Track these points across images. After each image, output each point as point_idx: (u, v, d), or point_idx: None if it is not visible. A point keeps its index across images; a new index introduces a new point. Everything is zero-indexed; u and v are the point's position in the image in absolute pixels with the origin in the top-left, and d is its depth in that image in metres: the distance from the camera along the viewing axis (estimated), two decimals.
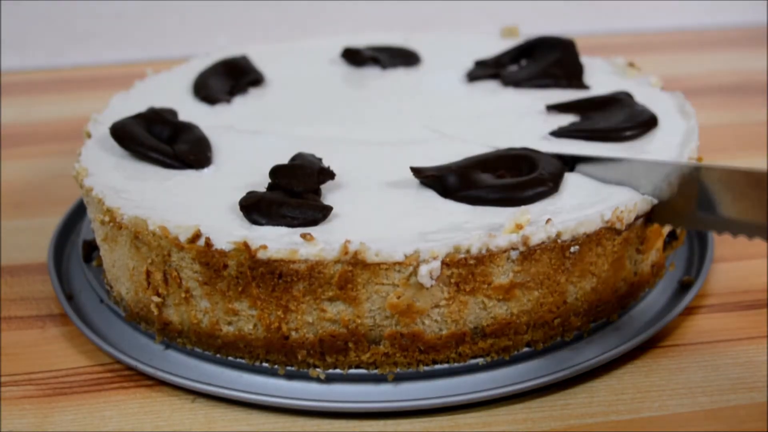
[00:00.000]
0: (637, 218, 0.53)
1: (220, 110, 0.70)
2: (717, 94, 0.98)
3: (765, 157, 0.81)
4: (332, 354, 0.50)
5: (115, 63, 1.13)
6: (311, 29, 1.16)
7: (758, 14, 1.18)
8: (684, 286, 0.59)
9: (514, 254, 0.49)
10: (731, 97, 0.97)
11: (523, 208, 0.51)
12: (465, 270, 0.48)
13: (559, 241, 0.49)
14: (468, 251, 0.48)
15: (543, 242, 0.49)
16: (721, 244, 0.65)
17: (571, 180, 0.56)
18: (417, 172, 0.55)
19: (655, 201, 0.53)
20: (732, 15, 1.20)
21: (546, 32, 0.77)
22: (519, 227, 0.49)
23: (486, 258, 0.48)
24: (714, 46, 1.16)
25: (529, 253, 0.49)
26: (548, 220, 0.49)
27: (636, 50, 1.11)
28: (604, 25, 1.20)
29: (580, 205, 0.52)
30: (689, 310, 0.57)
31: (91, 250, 0.64)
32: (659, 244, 0.57)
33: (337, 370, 0.51)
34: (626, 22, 1.21)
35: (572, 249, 0.50)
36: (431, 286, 0.48)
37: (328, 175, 0.54)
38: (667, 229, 0.57)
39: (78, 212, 0.70)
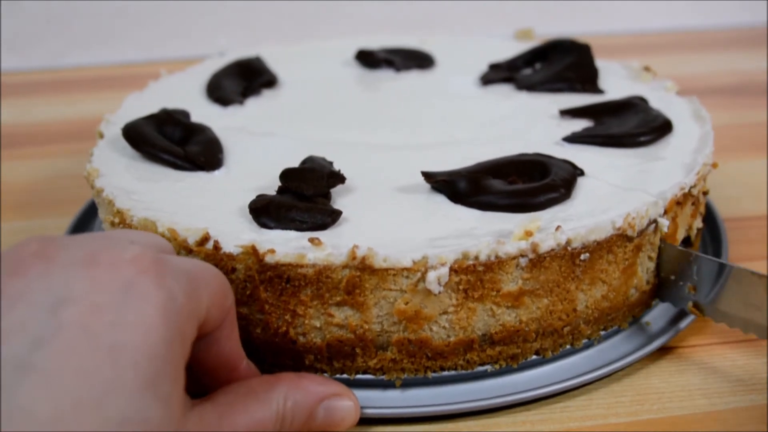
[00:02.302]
0: (649, 224, 0.52)
1: (233, 111, 0.70)
2: (717, 94, 0.98)
3: (765, 157, 0.80)
4: (339, 359, 0.50)
5: (116, 64, 1.14)
6: (325, 30, 1.16)
7: (758, 14, 1.18)
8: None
9: (523, 261, 0.48)
10: (731, 97, 0.97)
11: (533, 214, 0.51)
12: (473, 277, 0.47)
13: (569, 248, 0.49)
14: (477, 258, 0.47)
15: (553, 249, 0.48)
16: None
17: (584, 185, 0.55)
18: (428, 176, 0.55)
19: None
20: (732, 15, 1.20)
21: (546, 33, 0.77)
22: (528, 234, 0.48)
23: (495, 265, 0.48)
24: (714, 46, 1.15)
25: (538, 261, 0.48)
26: (558, 228, 0.49)
27: (636, 51, 1.10)
28: (604, 26, 1.19)
29: (592, 212, 0.52)
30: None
31: None
32: None
33: (344, 376, 0.51)
34: (626, 23, 1.20)
35: (582, 256, 0.50)
36: (439, 292, 0.47)
37: (338, 178, 0.54)
38: (681, 235, 0.57)
39: (88, 215, 0.70)
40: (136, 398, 0.34)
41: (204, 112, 0.68)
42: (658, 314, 0.56)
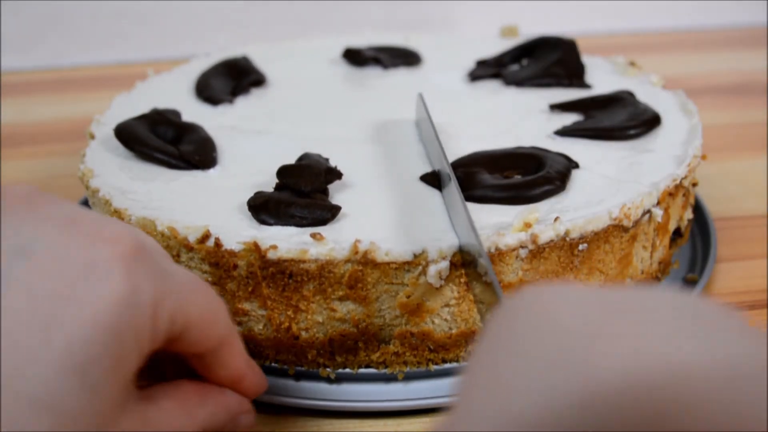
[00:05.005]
0: (643, 214, 0.53)
1: (223, 111, 0.70)
2: (717, 94, 0.98)
3: (765, 157, 0.81)
4: (342, 353, 0.50)
5: (116, 63, 1.13)
6: (311, 29, 1.16)
7: (758, 14, 1.19)
8: (688, 284, 0.59)
9: (523, 252, 0.49)
10: (731, 97, 0.97)
11: (531, 206, 0.51)
12: None
13: (567, 239, 0.50)
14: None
15: (552, 240, 0.49)
16: (721, 243, 0.65)
17: (578, 177, 0.56)
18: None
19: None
20: (732, 15, 1.21)
21: (545, 33, 0.78)
22: (528, 225, 0.49)
23: (495, 257, 0.48)
24: (714, 46, 1.16)
25: (538, 252, 0.49)
26: (556, 218, 0.49)
27: (636, 50, 1.11)
28: (604, 25, 1.20)
29: (588, 203, 0.52)
30: None
31: None
32: (666, 241, 0.57)
33: (347, 370, 0.51)
34: (626, 22, 1.21)
35: (581, 247, 0.50)
36: (440, 286, 0.48)
37: (335, 174, 0.54)
38: (673, 226, 0.58)
39: None
40: (55, 379, 0.31)
41: (194, 112, 0.68)
42: None
